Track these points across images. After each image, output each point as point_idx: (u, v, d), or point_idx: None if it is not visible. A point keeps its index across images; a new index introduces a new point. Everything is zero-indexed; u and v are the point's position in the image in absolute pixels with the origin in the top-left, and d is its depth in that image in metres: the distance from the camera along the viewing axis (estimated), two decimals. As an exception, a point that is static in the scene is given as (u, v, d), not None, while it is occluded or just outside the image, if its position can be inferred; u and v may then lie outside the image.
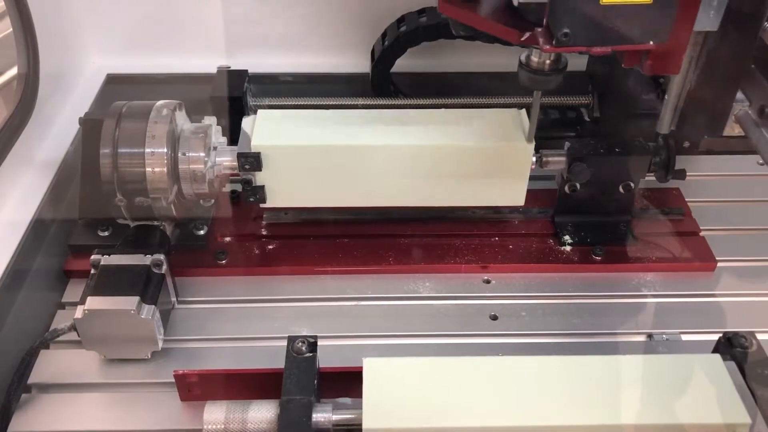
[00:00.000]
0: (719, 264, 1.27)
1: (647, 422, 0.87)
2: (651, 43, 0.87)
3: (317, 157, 1.18)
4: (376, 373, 0.93)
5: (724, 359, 0.95)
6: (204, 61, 1.59)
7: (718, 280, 1.26)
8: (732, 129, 1.02)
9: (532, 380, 0.92)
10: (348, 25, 1.59)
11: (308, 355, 0.97)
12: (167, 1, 1.59)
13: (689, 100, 0.98)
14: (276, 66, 1.62)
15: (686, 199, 1.39)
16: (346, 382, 0.99)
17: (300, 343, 0.98)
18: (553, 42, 0.88)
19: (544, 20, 0.89)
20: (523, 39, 0.94)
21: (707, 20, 0.90)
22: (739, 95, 0.99)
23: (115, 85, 1.60)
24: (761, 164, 1.49)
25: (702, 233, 1.32)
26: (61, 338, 1.12)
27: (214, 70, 1.57)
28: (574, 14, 0.85)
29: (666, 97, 1.04)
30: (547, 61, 1.03)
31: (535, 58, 1.03)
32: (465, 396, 0.91)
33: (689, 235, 1.32)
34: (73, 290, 1.23)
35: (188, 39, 1.63)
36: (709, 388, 0.91)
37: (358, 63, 1.61)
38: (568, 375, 0.93)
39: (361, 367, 0.95)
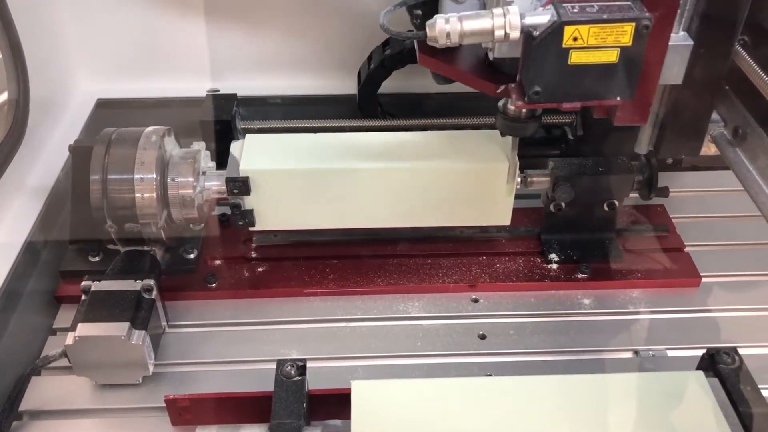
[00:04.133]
0: (704, 279, 1.29)
1: (631, 441, 0.89)
2: (618, 98, 0.90)
3: (305, 181, 1.20)
4: (364, 395, 0.94)
5: (707, 376, 0.96)
6: (193, 84, 1.61)
7: (703, 295, 1.28)
8: (708, 149, 1.04)
9: (519, 401, 0.93)
10: (335, 49, 1.61)
11: (297, 378, 0.98)
12: (156, 26, 1.60)
13: (666, 121, 1.00)
14: (265, 89, 1.63)
15: (671, 216, 1.41)
16: (336, 405, 1.01)
17: (289, 367, 0.99)
18: (525, 99, 0.90)
19: (518, 77, 0.92)
20: (498, 91, 0.98)
21: (671, 75, 0.92)
22: (715, 116, 1.01)
23: (106, 109, 1.61)
24: (744, 179, 1.51)
25: (686, 249, 1.34)
26: (52, 364, 1.13)
27: (203, 94, 1.58)
28: (545, 74, 0.88)
29: None
30: (523, 111, 1.05)
31: (511, 107, 1.05)
32: (453, 417, 0.93)
33: (674, 251, 1.34)
34: (65, 316, 1.24)
35: (177, 63, 1.64)
36: (692, 405, 0.92)
37: (345, 85, 1.63)
38: (555, 395, 0.95)
39: (341, 390, 0.96)
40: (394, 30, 0.99)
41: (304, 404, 0.96)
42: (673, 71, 0.92)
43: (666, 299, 1.27)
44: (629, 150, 1.27)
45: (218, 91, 1.59)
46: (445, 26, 0.88)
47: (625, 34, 0.85)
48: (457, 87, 1.60)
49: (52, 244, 1.31)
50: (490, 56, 0.96)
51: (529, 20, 0.85)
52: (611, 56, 0.86)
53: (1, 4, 1.28)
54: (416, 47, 1.07)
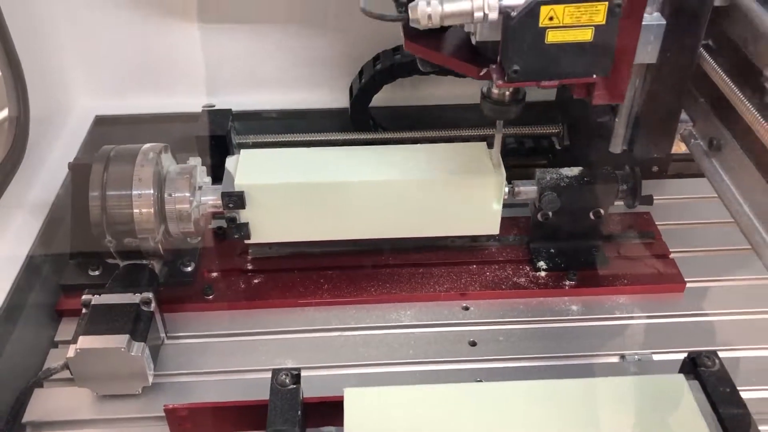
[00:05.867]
0: (688, 285, 1.32)
1: (615, 442, 0.92)
2: (594, 76, 0.94)
3: (298, 194, 1.23)
4: (356, 402, 0.97)
5: (688, 379, 1.00)
6: (189, 100, 1.64)
7: (688, 300, 1.31)
8: (679, 147, 1.08)
9: (508, 406, 0.96)
10: (327, 64, 1.64)
11: (292, 387, 1.01)
12: (153, 45, 1.63)
13: (637, 121, 1.04)
14: (259, 103, 1.67)
15: (656, 223, 1.44)
16: (331, 412, 1.03)
17: (284, 376, 1.02)
18: (505, 78, 0.94)
19: (498, 58, 0.96)
20: (481, 74, 1.01)
21: (646, 54, 0.96)
22: (683, 116, 1.05)
23: (104, 126, 1.65)
24: (728, 186, 1.54)
25: (671, 255, 1.38)
26: (54, 376, 1.16)
27: (199, 109, 1.62)
28: (523, 52, 0.91)
29: (616, 119, 1.10)
30: (507, 93, 1.09)
31: (495, 90, 1.10)
32: (444, 423, 0.96)
33: (659, 258, 1.37)
34: (66, 329, 1.27)
35: (173, 80, 1.68)
36: (673, 407, 0.95)
37: (337, 99, 1.66)
38: (543, 399, 0.98)
39: (335, 397, 0.99)
40: (375, 13, 1.02)
41: (299, 412, 0.99)
42: (648, 50, 0.95)
43: (651, 304, 1.30)
44: (614, 159, 1.31)
45: (213, 106, 1.62)
46: (426, 8, 0.91)
47: (598, 13, 0.88)
48: (445, 99, 1.66)
49: (53, 258, 1.35)
50: (473, 40, 0.99)
51: (507, 1, 0.89)
52: (586, 35, 0.90)
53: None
54: (402, 34, 1.09)
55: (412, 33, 1.08)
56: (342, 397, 1.01)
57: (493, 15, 0.90)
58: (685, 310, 1.29)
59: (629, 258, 1.37)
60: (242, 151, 1.28)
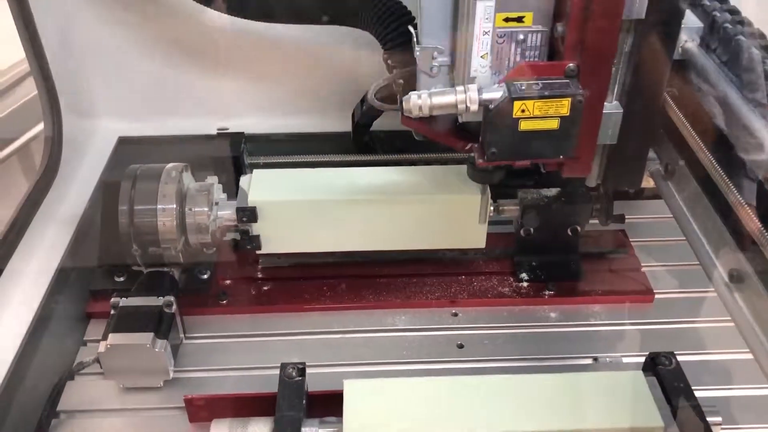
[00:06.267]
0: (657, 295, 1.46)
1: (580, 427, 1.05)
2: (561, 157, 1.07)
3: (304, 210, 1.37)
4: (355, 391, 1.11)
5: (646, 375, 1.13)
6: (204, 123, 1.79)
7: (656, 309, 1.44)
8: (648, 182, 1.22)
9: (491, 395, 1.10)
10: (331, 92, 1.79)
11: (298, 379, 1.15)
12: (171, 72, 1.78)
13: (610, 159, 1.17)
14: (269, 127, 1.81)
15: (630, 239, 1.58)
16: (332, 404, 1.15)
17: (291, 369, 1.16)
18: (485, 158, 1.08)
19: (480, 138, 1.09)
20: (466, 149, 1.16)
21: (607, 136, 1.09)
22: (652, 154, 1.19)
23: (126, 146, 1.79)
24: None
25: (643, 269, 1.52)
26: (83, 371, 1.30)
27: (214, 131, 1.77)
28: (499, 138, 1.05)
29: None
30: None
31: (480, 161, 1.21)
32: (435, 408, 1.08)
33: (631, 271, 1.51)
34: (94, 329, 1.41)
35: (190, 104, 1.82)
36: (631, 398, 1.09)
37: (340, 124, 1.81)
38: (518, 390, 1.11)
39: (336, 390, 1.12)
40: (378, 104, 1.24)
41: (304, 401, 1.13)
42: (609, 133, 1.08)
43: (623, 313, 1.43)
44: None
45: (227, 129, 1.77)
46: (417, 101, 1.05)
47: (563, 106, 1.02)
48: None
49: (82, 266, 1.49)
50: (459, 120, 1.14)
51: (486, 95, 1.02)
52: (553, 124, 1.03)
53: (40, 55, 1.48)
54: (400, 112, 1.23)
55: None
56: (342, 390, 1.14)
57: (474, 107, 1.04)
58: (653, 318, 1.42)
59: (604, 271, 1.50)
60: (255, 171, 1.42)
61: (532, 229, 1.45)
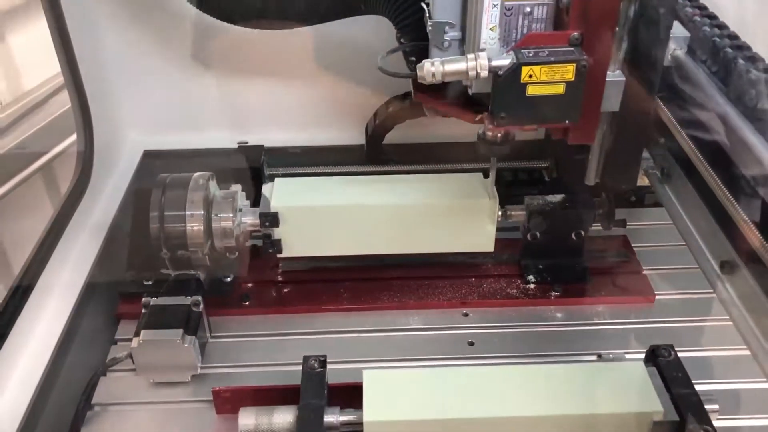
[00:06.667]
0: (657, 297, 1.53)
1: (585, 412, 1.13)
2: (567, 122, 1.15)
3: (323, 215, 1.46)
4: (374, 381, 1.18)
5: (647, 366, 1.20)
6: (226, 136, 1.88)
7: (657, 309, 1.52)
8: (643, 180, 1.30)
9: (503, 384, 1.17)
10: (346, 107, 1.88)
11: (320, 370, 1.23)
12: (194, 88, 1.87)
13: (607, 158, 1.24)
14: (287, 140, 1.90)
15: (632, 245, 1.66)
16: (352, 396, 1.22)
17: (313, 361, 1.23)
18: (495, 123, 1.15)
19: (489, 106, 1.17)
20: (476, 119, 1.24)
21: (610, 103, 1.16)
22: (646, 154, 1.27)
23: (151, 159, 1.88)
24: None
25: (644, 272, 1.59)
26: (115, 368, 1.38)
27: (234, 145, 1.86)
28: (508, 103, 1.12)
29: (589, 156, 1.30)
30: (498, 135, 1.31)
31: (489, 133, 1.31)
32: (450, 396, 1.15)
33: (633, 274, 1.58)
34: (124, 329, 1.49)
35: (212, 119, 1.91)
36: (632, 386, 1.16)
37: (354, 136, 1.90)
38: (528, 379, 1.18)
39: (355, 383, 1.19)
40: (390, 71, 1.26)
41: (325, 391, 1.20)
42: (612, 100, 1.15)
43: (625, 313, 1.51)
44: (594, 189, 1.53)
45: (247, 143, 1.86)
46: (431, 68, 1.12)
47: (568, 72, 1.09)
48: (449, 137, 1.89)
49: (112, 270, 1.57)
50: (470, 92, 1.20)
51: (495, 63, 1.10)
52: (559, 89, 1.10)
53: (75, 73, 1.58)
54: (412, 87, 1.32)
55: (420, 86, 1.32)
56: (360, 382, 1.21)
57: (484, 73, 1.11)
58: (654, 318, 1.50)
59: (607, 274, 1.58)
60: (276, 179, 1.51)
61: (538, 234, 1.53)
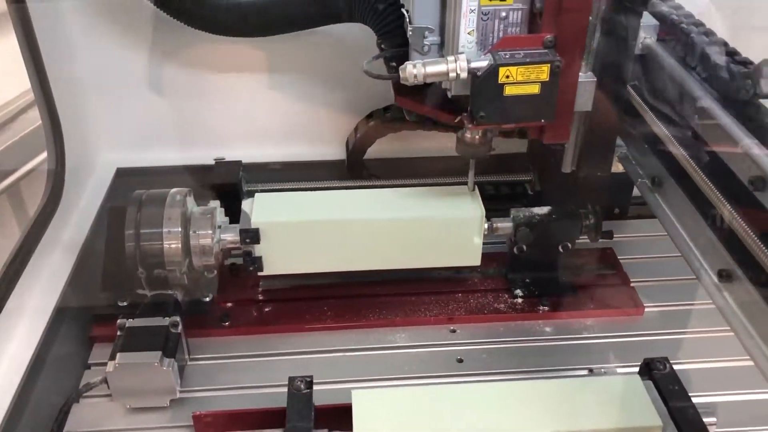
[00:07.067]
0: (646, 309, 1.51)
1: (583, 428, 1.09)
2: (542, 121, 1.17)
3: (306, 231, 1.41)
4: (364, 401, 1.14)
5: (643, 379, 1.18)
6: (202, 153, 1.83)
7: (646, 322, 1.50)
8: (617, 167, 1.36)
9: (496, 400, 1.14)
10: (325, 121, 1.85)
11: (306, 391, 1.18)
12: (168, 103, 1.83)
13: (583, 147, 1.28)
14: (265, 156, 1.86)
15: (618, 257, 1.64)
16: (340, 418, 1.18)
17: (299, 382, 1.19)
18: (474, 122, 1.17)
19: (469, 107, 1.19)
20: (456, 120, 1.24)
21: (582, 103, 1.20)
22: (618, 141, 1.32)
23: (124, 177, 1.83)
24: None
25: (632, 284, 1.57)
26: (89, 394, 1.32)
27: (209, 161, 1.81)
28: (487, 103, 1.15)
29: (566, 145, 1.33)
30: (477, 137, 1.31)
31: (468, 135, 1.32)
32: (442, 414, 1.11)
33: (621, 286, 1.56)
34: (98, 353, 1.42)
35: (187, 135, 1.87)
36: (629, 400, 1.13)
37: (334, 152, 1.87)
38: (521, 395, 1.15)
39: (343, 404, 1.16)
40: (375, 73, 1.28)
41: (312, 412, 1.15)
42: (584, 100, 1.20)
43: (615, 326, 1.48)
44: (577, 202, 1.52)
45: (224, 158, 1.82)
46: (413, 70, 1.15)
47: (543, 72, 1.13)
48: (431, 151, 1.87)
49: (85, 291, 1.51)
50: (449, 94, 1.23)
51: (474, 64, 1.13)
52: (535, 89, 1.14)
53: (46, 90, 1.52)
54: (394, 91, 1.34)
55: (402, 90, 1.31)
56: (348, 403, 1.17)
57: (464, 75, 1.15)
58: (644, 330, 1.47)
59: (595, 286, 1.56)
60: (257, 194, 1.47)
61: (525, 247, 1.50)
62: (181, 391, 1.33)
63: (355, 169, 1.81)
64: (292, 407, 1.15)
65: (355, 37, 1.66)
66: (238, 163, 1.75)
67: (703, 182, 1.05)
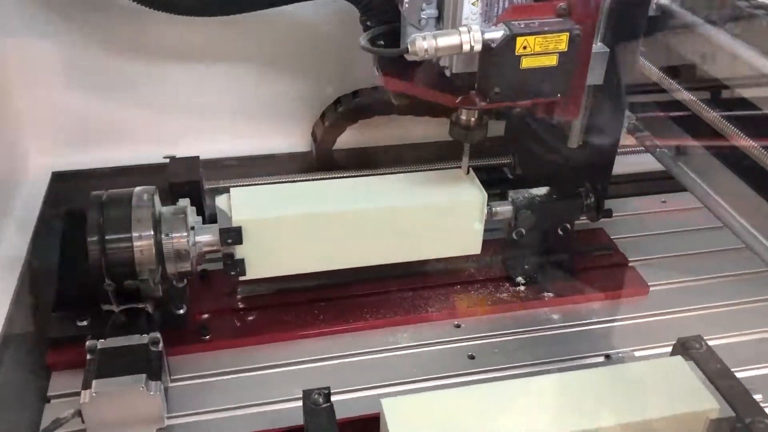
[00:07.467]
0: (651, 288, 1.45)
1: (638, 419, 1.00)
2: (558, 96, 1.09)
3: (294, 226, 1.26)
4: (396, 410, 1.00)
5: (685, 359, 1.10)
6: (148, 150, 1.64)
7: (652, 301, 1.43)
8: (626, 139, 1.30)
9: (538, 396, 1.03)
10: (288, 109, 1.70)
11: (325, 405, 1.03)
12: (107, 96, 1.63)
13: (590, 120, 1.22)
14: (221, 152, 1.69)
15: (611, 237, 1.58)
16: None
17: (316, 395, 1.04)
18: (487, 100, 1.07)
19: (476, 84, 1.09)
20: (457, 102, 1.13)
21: (594, 76, 1.14)
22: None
23: (63, 182, 1.61)
24: (663, 202, 1.72)
25: (630, 264, 1.51)
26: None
27: (158, 160, 1.61)
28: (503, 77, 1.06)
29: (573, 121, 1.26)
30: (472, 119, 1.22)
31: (463, 117, 1.22)
32: (484, 416, 0.99)
33: (621, 266, 1.50)
34: (58, 383, 1.22)
35: (131, 131, 1.68)
36: (679, 383, 1.05)
37: (300, 143, 1.72)
38: (564, 389, 1.04)
39: (365, 415, 1.05)
40: (374, 48, 1.16)
41: (336, 428, 1.01)
42: (596, 73, 1.13)
43: (623, 308, 1.41)
44: (560, 184, 1.44)
45: (174, 156, 1.63)
46: (423, 44, 1.03)
47: (561, 41, 1.05)
48: (407, 139, 1.75)
49: (34, 313, 1.30)
50: (447, 73, 1.11)
51: (488, 35, 1.03)
52: (552, 60, 1.06)
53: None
54: (379, 71, 1.20)
55: (389, 71, 1.19)
56: (370, 414, 1.04)
57: (478, 47, 1.04)
58: (652, 310, 1.41)
59: (595, 268, 1.48)
60: (232, 189, 1.30)
61: (524, 230, 1.40)
62: (167, 418, 1.15)
63: (324, 161, 1.67)
64: (313, 425, 1.00)
65: (311, 19, 1.54)
66: (196, 159, 1.57)
67: (743, 140, 0.98)
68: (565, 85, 1.09)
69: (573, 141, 1.27)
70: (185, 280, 1.33)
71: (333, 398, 1.17)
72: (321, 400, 1.04)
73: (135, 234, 1.19)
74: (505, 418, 1.00)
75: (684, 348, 1.13)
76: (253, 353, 1.29)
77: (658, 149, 1.22)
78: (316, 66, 1.65)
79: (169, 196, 1.47)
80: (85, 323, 1.27)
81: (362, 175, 1.61)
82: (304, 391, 1.05)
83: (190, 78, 1.66)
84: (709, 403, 1.02)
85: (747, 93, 1.02)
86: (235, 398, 1.21)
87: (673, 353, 1.15)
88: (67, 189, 1.60)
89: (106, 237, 1.17)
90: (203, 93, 1.68)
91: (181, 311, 1.33)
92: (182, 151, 1.63)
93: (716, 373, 1.08)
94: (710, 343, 1.29)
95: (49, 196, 1.56)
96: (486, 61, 1.06)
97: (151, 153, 1.63)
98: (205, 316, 1.35)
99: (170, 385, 1.22)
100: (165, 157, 1.62)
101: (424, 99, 1.21)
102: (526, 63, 1.05)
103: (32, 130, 1.63)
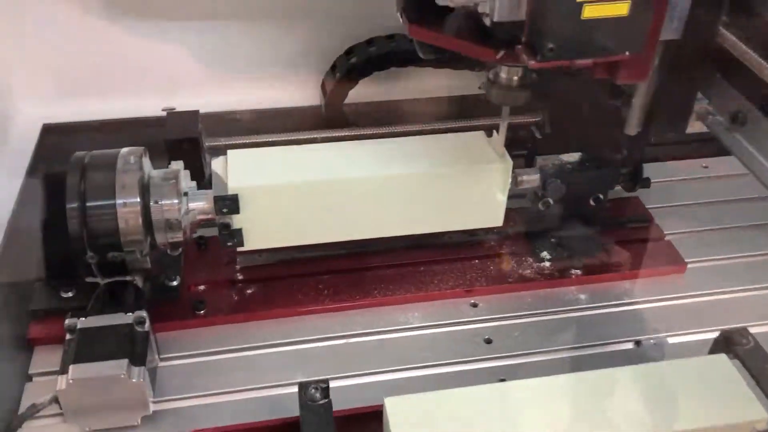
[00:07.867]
0: (689, 265, 1.32)
1: (677, 429, 0.88)
2: (627, 53, 0.91)
3: (296, 195, 1.15)
4: (399, 410, 0.90)
5: (729, 358, 0.98)
6: (146, 102, 1.52)
7: (690, 280, 1.31)
8: (693, 126, 1.09)
9: (561, 397, 0.92)
10: (296, 59, 1.56)
11: (323, 401, 0.93)
12: (102, 41, 1.51)
13: (654, 102, 1.04)
14: (223, 104, 1.57)
15: (647, 207, 1.44)
16: (360, 424, 0.97)
17: (313, 390, 0.94)
18: (538, 57, 0.89)
19: (523, 37, 0.91)
20: (498, 57, 0.96)
21: (671, 30, 0.96)
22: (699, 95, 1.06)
23: (54, 135, 1.50)
24: (705, 167, 1.57)
25: (666, 237, 1.37)
26: (37, 415, 1.03)
27: (156, 113, 1.49)
28: (558, 30, 0.88)
29: (633, 100, 1.09)
30: (515, 78, 1.07)
31: (504, 75, 1.07)
32: (490, 422, 0.90)
33: (656, 240, 1.36)
34: (41, 359, 1.14)
35: (128, 80, 1.55)
36: (722, 388, 0.93)
37: (306, 96, 1.58)
38: (589, 389, 0.94)
39: (366, 408, 0.97)
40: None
41: (333, 429, 0.91)
42: (674, 25, 0.95)
43: (657, 287, 1.29)
44: (599, 144, 1.29)
45: (174, 108, 1.51)
46: None
47: None
48: (423, 93, 1.61)
49: (17, 282, 1.21)
50: (487, 21, 0.94)
51: None
52: (622, 9, 0.87)
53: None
54: (404, 20, 1.03)
55: (417, 19, 1.03)
56: (369, 408, 0.95)
57: None
58: (691, 291, 1.28)
59: (628, 242, 1.35)
60: (229, 152, 1.19)
61: (551, 201, 1.27)
62: (154, 402, 1.06)
63: (334, 117, 1.54)
64: (310, 423, 0.90)
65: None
66: (195, 113, 1.44)
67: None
68: (637, 39, 0.90)
69: (631, 127, 1.10)
70: (180, 249, 1.22)
71: (334, 384, 1.08)
72: (318, 395, 0.93)
73: (119, 201, 1.07)
74: (512, 422, 0.89)
75: (727, 343, 1.02)
76: (251, 330, 1.19)
77: (711, 117, 1.06)
78: (326, 10, 1.50)
79: (168, 154, 1.37)
80: (70, 294, 1.18)
81: (374, 134, 1.49)
82: (300, 383, 0.95)
83: (200, 21, 1.52)
84: (757, 413, 0.90)
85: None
86: (230, 381, 1.11)
87: (713, 350, 1.03)
88: (60, 143, 1.49)
89: (87, 204, 1.06)
90: (211, 39, 1.54)
91: (175, 282, 1.23)
92: (187, 104, 1.51)
93: (764, 374, 0.96)
94: (754, 331, 1.18)
95: (40, 151, 1.45)
96: (538, 8, 0.87)
97: (151, 104, 1.51)
98: (201, 288, 1.25)
99: (159, 364, 1.13)
100: (164, 110, 1.50)
101: (457, 52, 1.05)
102: (588, 12, 0.87)
103: (23, 78, 1.51)
